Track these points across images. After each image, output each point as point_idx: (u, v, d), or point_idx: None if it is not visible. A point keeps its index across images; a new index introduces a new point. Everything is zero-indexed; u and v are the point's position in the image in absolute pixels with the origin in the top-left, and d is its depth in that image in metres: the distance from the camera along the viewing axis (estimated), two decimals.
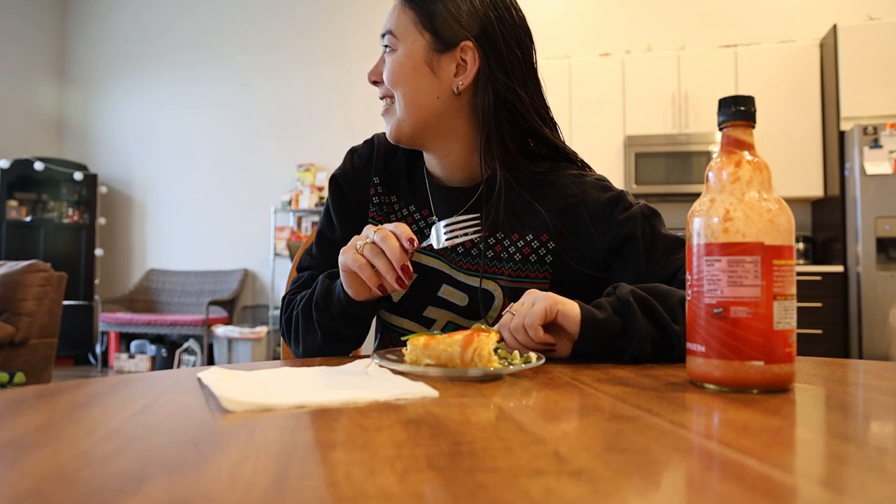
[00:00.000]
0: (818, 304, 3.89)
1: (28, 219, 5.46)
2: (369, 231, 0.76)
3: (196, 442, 0.36)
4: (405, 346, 0.65)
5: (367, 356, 0.74)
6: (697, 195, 0.58)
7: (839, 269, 3.93)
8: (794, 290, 0.53)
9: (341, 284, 0.81)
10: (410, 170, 0.98)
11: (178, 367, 4.93)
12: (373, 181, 0.97)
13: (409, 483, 0.28)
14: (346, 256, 0.77)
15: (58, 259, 4.69)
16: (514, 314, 0.72)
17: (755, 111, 0.56)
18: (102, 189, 5.81)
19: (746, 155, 0.55)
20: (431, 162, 0.95)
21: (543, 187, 0.92)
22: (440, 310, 0.92)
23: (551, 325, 0.72)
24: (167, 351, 5.07)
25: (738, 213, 0.52)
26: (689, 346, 0.55)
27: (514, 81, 0.88)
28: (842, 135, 3.99)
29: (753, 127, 0.56)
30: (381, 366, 0.62)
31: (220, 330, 4.84)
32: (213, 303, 5.04)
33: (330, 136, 5.41)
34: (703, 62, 4.42)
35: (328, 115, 5.46)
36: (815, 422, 0.47)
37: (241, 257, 5.57)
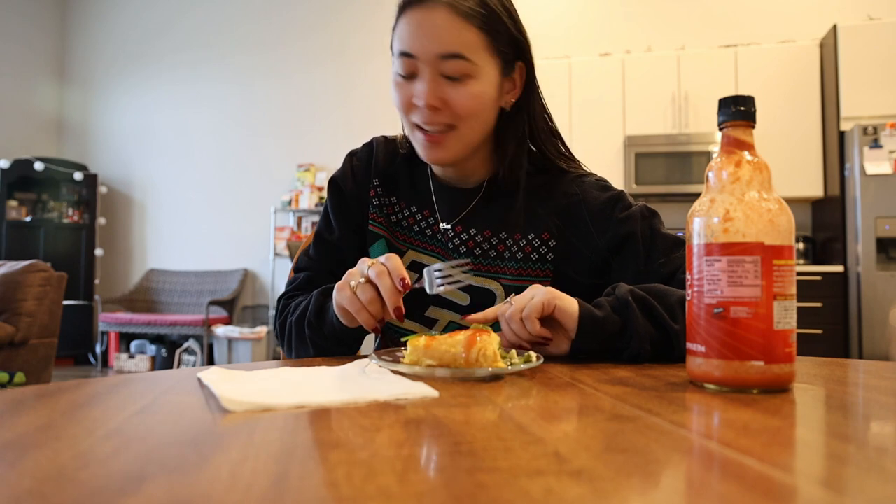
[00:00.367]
0: (818, 304, 3.89)
1: (28, 219, 5.46)
2: (363, 266, 0.74)
3: (196, 442, 0.36)
4: (405, 346, 0.64)
5: (367, 356, 0.74)
6: (697, 195, 0.58)
7: (839, 269, 3.93)
8: (794, 290, 0.53)
9: (333, 305, 0.79)
10: (411, 171, 0.98)
11: (178, 367, 4.93)
12: (372, 183, 0.98)
13: (409, 483, 0.28)
14: (342, 296, 0.75)
15: (58, 259, 4.69)
16: (511, 304, 0.73)
17: (755, 111, 0.56)
18: (102, 189, 5.81)
19: (746, 155, 0.55)
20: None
21: (545, 187, 0.93)
22: (442, 310, 0.92)
23: (550, 321, 0.72)
24: (167, 351, 5.06)
25: (738, 213, 0.52)
26: (689, 346, 0.55)
27: (540, 93, 0.91)
28: (842, 135, 3.99)
29: (753, 127, 0.56)
30: (382, 367, 0.62)
31: (220, 330, 4.84)
32: (213, 303, 5.04)
33: (330, 136, 5.42)
34: (703, 62, 4.42)
35: (328, 115, 5.46)
36: (815, 422, 0.47)
37: (241, 257, 5.57)
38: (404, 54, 0.82)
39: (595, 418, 0.43)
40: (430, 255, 0.94)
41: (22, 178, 5.44)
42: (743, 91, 4.20)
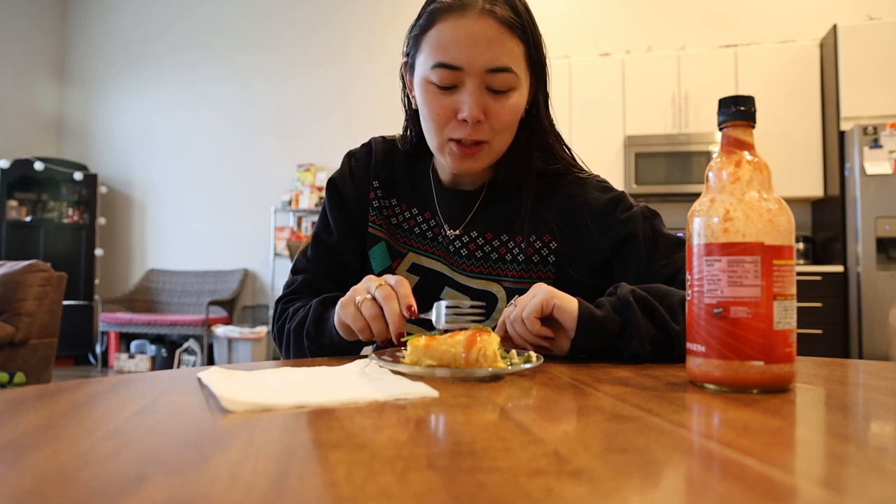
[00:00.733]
0: (818, 304, 3.89)
1: (28, 219, 5.46)
2: (371, 285, 0.73)
3: (196, 442, 0.36)
4: (405, 346, 0.64)
5: (367, 356, 0.74)
6: (697, 195, 0.58)
7: (839, 269, 3.93)
8: (794, 290, 0.53)
9: (334, 318, 0.79)
10: (411, 172, 0.98)
11: (178, 367, 4.93)
12: (372, 185, 0.97)
13: (409, 483, 0.28)
14: (346, 313, 0.73)
15: (58, 259, 4.69)
16: (516, 305, 0.73)
17: (755, 111, 0.56)
18: (102, 189, 5.81)
19: (746, 155, 0.55)
20: (445, 168, 0.93)
21: (546, 189, 0.93)
22: None
23: (551, 320, 0.72)
24: (167, 351, 5.06)
25: (738, 213, 0.52)
26: (689, 346, 0.55)
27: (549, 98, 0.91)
28: (842, 135, 3.99)
29: (753, 127, 0.56)
30: (382, 367, 0.62)
31: (220, 330, 4.84)
32: (213, 303, 5.04)
33: (330, 136, 5.41)
34: (703, 62, 4.42)
35: (328, 115, 5.46)
36: (815, 422, 0.47)
37: (241, 257, 5.57)
38: (446, 66, 0.78)
39: (595, 418, 0.43)
40: (431, 257, 0.94)
41: (22, 178, 5.44)
42: (743, 91, 4.20)
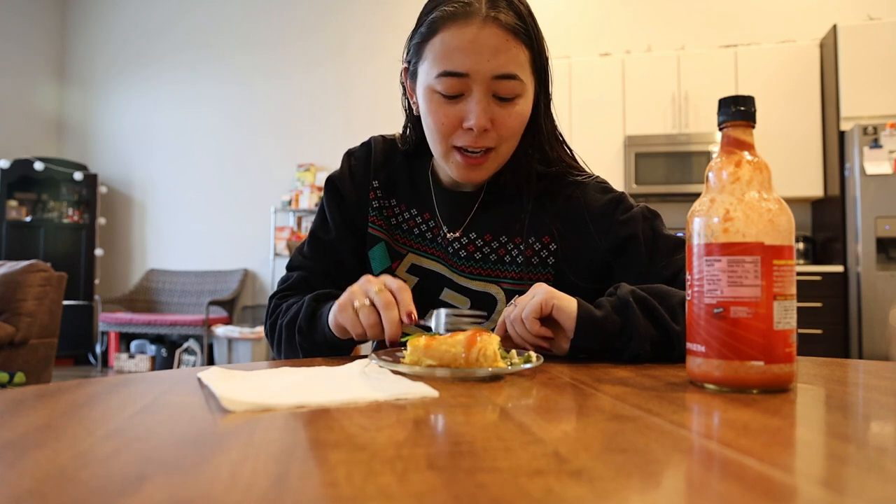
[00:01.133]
0: (818, 304, 3.89)
1: (28, 219, 5.46)
2: (370, 289, 0.72)
3: (196, 442, 0.36)
4: (405, 346, 0.64)
5: (367, 356, 0.74)
6: (697, 195, 0.58)
7: (839, 269, 3.93)
8: (794, 290, 0.53)
9: (328, 316, 0.78)
10: (411, 172, 0.97)
11: (178, 367, 4.93)
12: (372, 185, 0.96)
13: (409, 483, 0.28)
14: (344, 316, 0.73)
15: (58, 259, 4.69)
16: (516, 305, 0.73)
17: (755, 111, 0.56)
18: (102, 189, 5.81)
19: (746, 155, 0.55)
20: (448, 174, 0.92)
21: (545, 191, 0.92)
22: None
23: (550, 320, 0.72)
24: (167, 351, 5.06)
25: (738, 213, 0.52)
26: (689, 346, 0.55)
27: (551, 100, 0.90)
28: (842, 135, 3.99)
29: (753, 127, 0.56)
30: (382, 367, 0.62)
31: (220, 330, 4.84)
32: (213, 303, 5.04)
33: (330, 136, 5.41)
34: (703, 62, 4.42)
35: (328, 115, 5.46)
36: (815, 422, 0.47)
37: (241, 257, 5.57)
38: (452, 74, 0.77)
39: (595, 418, 0.43)
40: (431, 258, 0.94)
41: (22, 178, 5.44)
42: (743, 91, 4.20)
